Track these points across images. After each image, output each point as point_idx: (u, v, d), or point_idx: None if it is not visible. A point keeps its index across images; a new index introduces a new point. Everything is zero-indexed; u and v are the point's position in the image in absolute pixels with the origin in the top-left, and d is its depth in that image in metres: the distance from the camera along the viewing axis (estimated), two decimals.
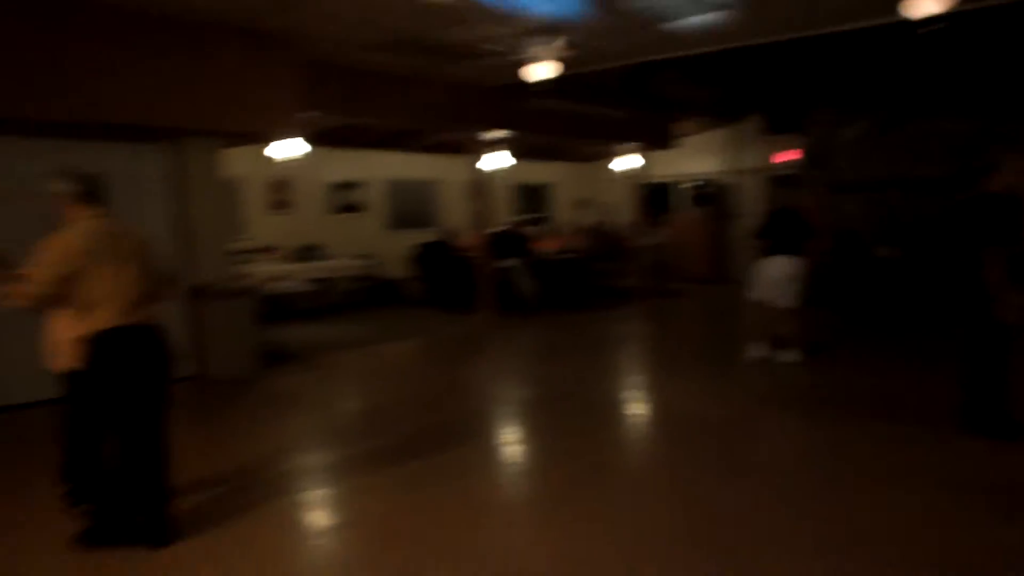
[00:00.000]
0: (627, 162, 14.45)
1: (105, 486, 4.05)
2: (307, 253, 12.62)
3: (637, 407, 6.93)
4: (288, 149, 10.26)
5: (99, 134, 7.12)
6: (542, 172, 17.05)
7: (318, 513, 4.58)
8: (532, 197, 17.20)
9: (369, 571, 3.71)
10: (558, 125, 12.02)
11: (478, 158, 11.65)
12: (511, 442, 5.98)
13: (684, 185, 16.25)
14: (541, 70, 7.79)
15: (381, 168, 14.19)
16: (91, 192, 4.01)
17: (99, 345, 3.87)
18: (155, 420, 4.07)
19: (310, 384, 7.90)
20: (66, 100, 6.55)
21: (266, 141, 9.67)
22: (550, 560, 3.73)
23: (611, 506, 4.40)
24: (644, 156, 14.33)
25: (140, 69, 6.94)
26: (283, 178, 12.75)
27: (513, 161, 13.50)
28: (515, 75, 8.34)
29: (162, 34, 7.05)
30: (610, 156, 14.70)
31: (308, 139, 9.86)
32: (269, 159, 11.36)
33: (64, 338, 3.93)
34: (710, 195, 15.84)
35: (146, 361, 4.03)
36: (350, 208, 13.96)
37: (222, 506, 4.49)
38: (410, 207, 14.86)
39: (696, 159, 15.87)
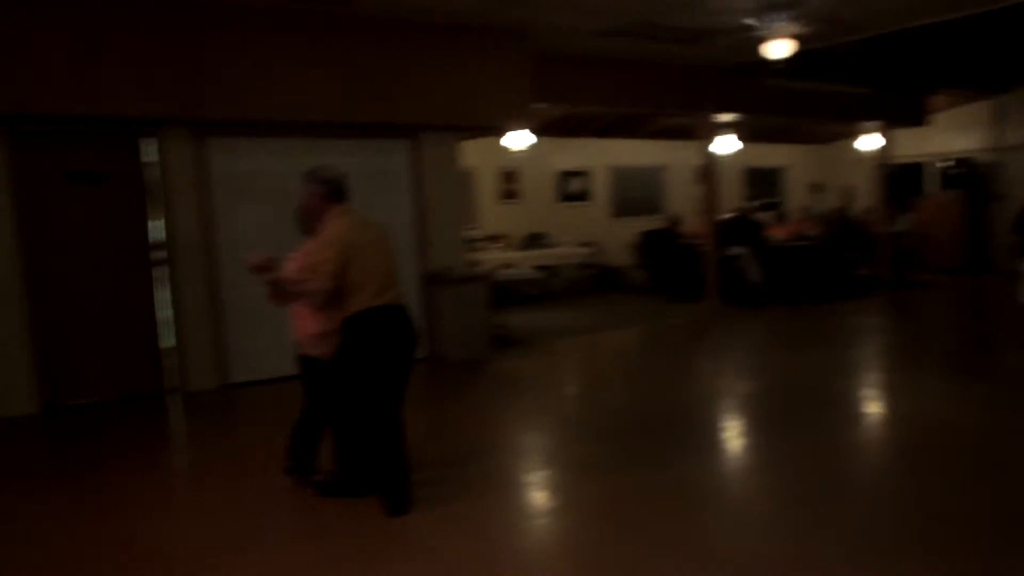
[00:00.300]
0: (870, 142, 13.40)
1: (345, 457, 4.43)
2: (533, 241, 12.93)
3: (875, 408, 6.42)
4: (517, 140, 10.56)
5: (351, 132, 7.72)
6: (774, 155, 16.26)
7: (540, 494, 4.67)
8: (763, 181, 16.46)
9: (589, 556, 3.72)
10: (794, 105, 11.39)
11: (706, 142, 11.31)
12: (734, 436, 5.78)
13: (937, 165, 14.79)
14: (779, 47, 7.36)
15: (606, 156, 14.21)
16: (338, 190, 4.34)
17: (360, 324, 4.22)
18: (400, 395, 4.37)
19: (535, 369, 8.11)
20: (320, 103, 7.18)
21: (498, 133, 10.02)
22: (777, 561, 3.56)
23: (841, 511, 4.11)
24: (889, 135, 13.21)
25: (381, 71, 7.44)
26: (511, 168, 13.14)
27: (739, 145, 12.98)
28: (749, 54, 7.99)
29: (400, 36, 7.51)
30: (850, 136, 13.72)
31: (536, 129, 10.09)
32: (498, 150, 11.76)
33: (313, 327, 4.36)
34: (967, 176, 14.30)
35: (400, 338, 4.33)
36: (575, 196, 14.12)
37: (450, 483, 4.70)
38: (634, 194, 14.76)
39: (950, 136, 14.38)
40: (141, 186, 7.10)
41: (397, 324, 4.31)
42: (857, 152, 14.46)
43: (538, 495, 4.67)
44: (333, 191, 4.31)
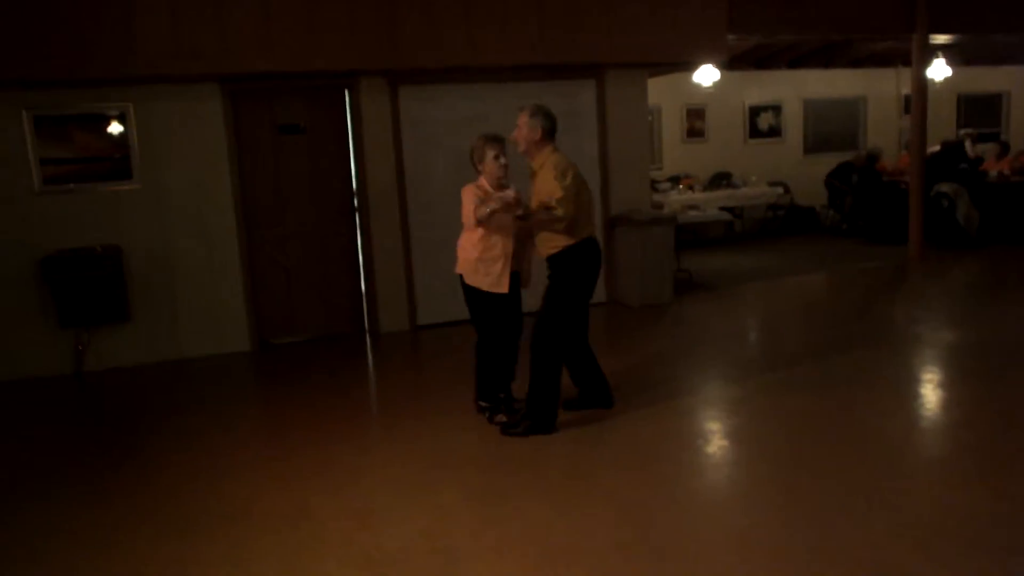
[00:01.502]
0: None
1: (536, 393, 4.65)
2: (719, 181, 12.44)
3: None
4: (706, 75, 10.11)
5: (536, 75, 7.64)
6: (994, 78, 14.55)
7: (722, 442, 4.56)
8: (980, 110, 14.82)
9: (771, 506, 3.61)
10: None
11: (914, 69, 10.27)
12: (930, 389, 5.37)
13: None
14: None
15: (799, 88, 13.28)
16: (555, 128, 4.62)
17: (584, 252, 4.61)
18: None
19: (719, 315, 7.87)
20: (513, 45, 7.17)
21: (687, 69, 9.62)
22: (966, 521, 3.31)
23: None
24: None
25: (571, 9, 7.29)
26: (698, 105, 12.63)
27: (948, 71, 11.71)
28: None
29: None
30: None
31: (724, 64, 9.58)
32: (684, 87, 11.33)
33: (473, 254, 4.67)
34: None
35: (599, 267, 4.79)
36: (765, 133, 13.37)
37: (631, 428, 4.72)
38: (830, 128, 13.77)
39: None
40: (345, 136, 7.43)
41: (600, 254, 4.77)
42: None
43: (720, 443, 4.58)
44: (553, 128, 4.61)
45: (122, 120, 6.74)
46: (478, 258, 4.65)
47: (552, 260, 4.61)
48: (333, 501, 3.92)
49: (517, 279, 4.92)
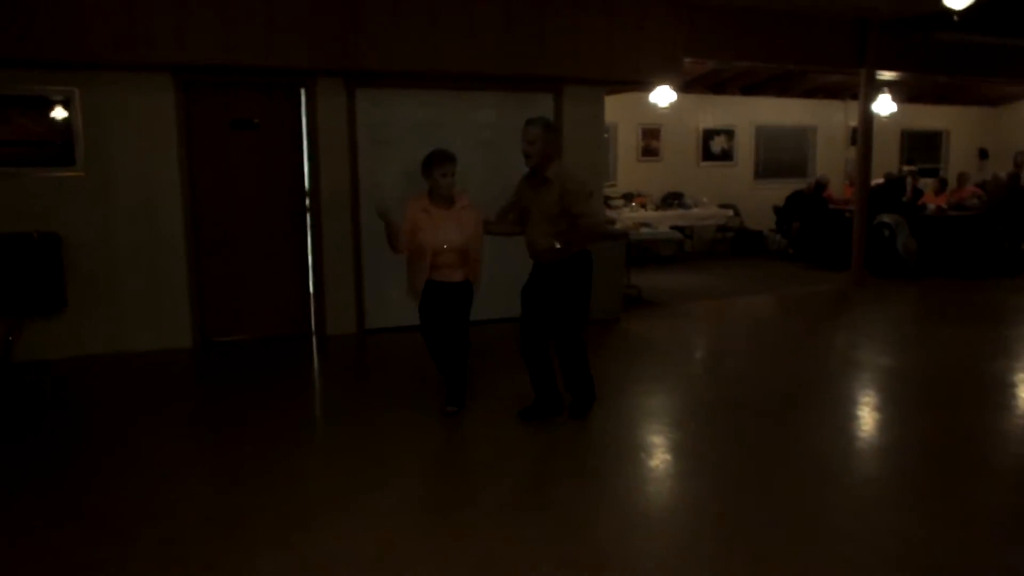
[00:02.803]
0: None
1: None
2: (671, 201, 12.60)
3: None
4: (662, 96, 10.24)
5: (495, 85, 7.65)
6: (935, 117, 15.09)
7: (666, 457, 4.57)
8: (921, 146, 15.34)
9: (708, 522, 3.62)
10: (966, 62, 10.43)
11: (863, 102, 10.58)
12: (867, 411, 5.47)
13: None
14: None
15: (752, 115, 13.58)
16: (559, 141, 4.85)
17: (586, 260, 4.84)
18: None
19: (666, 331, 7.96)
20: (471, 54, 7.16)
21: (645, 88, 9.73)
22: (896, 540, 3.34)
23: (974, 503, 3.88)
24: None
25: (531, 21, 7.32)
26: (653, 125, 12.79)
27: (893, 107, 12.11)
28: (920, 5, 7.33)
29: None
30: None
31: (680, 86, 9.73)
32: (640, 106, 11.47)
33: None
34: None
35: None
36: (717, 156, 13.62)
37: (583, 442, 4.74)
38: (780, 156, 14.09)
39: None
40: (299, 134, 7.30)
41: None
42: None
43: (663, 457, 4.60)
44: (558, 140, 4.85)
45: (66, 105, 6.53)
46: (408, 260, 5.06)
47: (554, 267, 4.78)
48: (269, 505, 3.82)
49: (467, 288, 4.95)
